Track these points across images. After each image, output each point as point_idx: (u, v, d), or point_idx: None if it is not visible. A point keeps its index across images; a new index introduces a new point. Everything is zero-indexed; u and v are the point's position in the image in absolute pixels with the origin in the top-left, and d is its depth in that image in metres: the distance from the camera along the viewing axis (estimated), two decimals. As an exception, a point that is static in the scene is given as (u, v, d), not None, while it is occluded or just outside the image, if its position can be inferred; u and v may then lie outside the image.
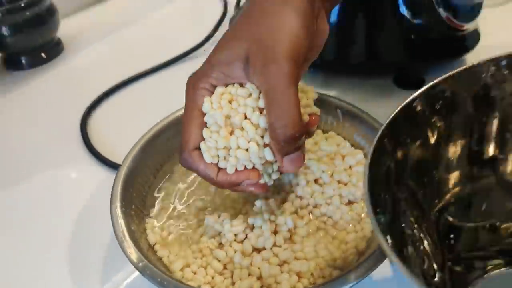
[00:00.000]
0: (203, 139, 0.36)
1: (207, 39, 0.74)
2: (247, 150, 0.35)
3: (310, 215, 0.41)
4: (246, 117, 0.36)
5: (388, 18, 0.58)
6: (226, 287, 0.36)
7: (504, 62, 0.33)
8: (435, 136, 0.35)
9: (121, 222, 0.38)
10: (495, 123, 0.35)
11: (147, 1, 0.90)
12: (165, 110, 0.50)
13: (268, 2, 0.34)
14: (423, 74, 0.64)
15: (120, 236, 0.37)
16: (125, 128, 0.60)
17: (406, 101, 0.33)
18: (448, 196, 0.36)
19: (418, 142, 0.34)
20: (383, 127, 0.31)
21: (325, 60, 0.61)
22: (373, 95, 0.62)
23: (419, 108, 0.33)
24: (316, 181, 0.43)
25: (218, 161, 0.36)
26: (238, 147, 0.35)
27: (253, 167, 0.36)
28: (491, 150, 0.36)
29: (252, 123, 0.35)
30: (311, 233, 0.40)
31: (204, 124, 0.36)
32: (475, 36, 0.63)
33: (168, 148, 0.47)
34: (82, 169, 0.55)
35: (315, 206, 0.41)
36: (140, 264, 0.35)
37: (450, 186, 0.36)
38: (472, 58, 0.65)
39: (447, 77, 0.33)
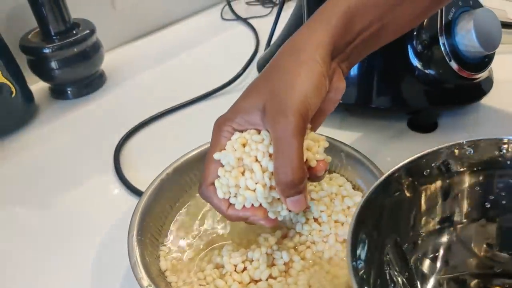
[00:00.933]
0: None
1: (237, 77, 0.80)
2: (254, 190, 0.40)
3: (307, 250, 0.45)
4: (257, 160, 0.40)
5: (401, 68, 0.62)
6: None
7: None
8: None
9: (136, 250, 0.43)
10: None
11: (186, 37, 0.97)
12: (193, 143, 0.55)
13: (287, 62, 0.39)
14: (437, 118, 0.67)
15: (133, 261, 0.42)
16: (155, 158, 0.65)
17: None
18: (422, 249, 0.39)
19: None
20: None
21: (344, 103, 0.65)
22: (388, 137, 0.66)
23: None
24: (315, 219, 0.46)
25: (229, 197, 0.41)
26: (247, 187, 0.40)
27: (260, 205, 0.41)
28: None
29: (261, 166, 0.40)
30: (307, 267, 0.43)
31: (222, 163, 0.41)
32: (488, 82, 0.66)
33: (186, 182, 0.52)
34: (112, 194, 0.61)
35: (313, 243, 0.45)
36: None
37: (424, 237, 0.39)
38: (487, 101, 0.68)
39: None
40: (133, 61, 0.91)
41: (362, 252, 0.34)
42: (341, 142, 0.52)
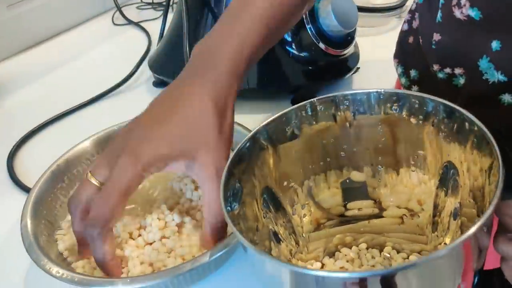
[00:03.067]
0: None
1: (130, 75, 0.82)
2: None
3: (198, 213, 0.49)
4: None
5: (280, 55, 0.70)
6: (122, 275, 0.44)
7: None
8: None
9: (29, 234, 0.45)
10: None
11: (78, 44, 0.98)
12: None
13: (196, 115, 0.42)
14: (316, 93, 0.74)
15: (28, 243, 0.44)
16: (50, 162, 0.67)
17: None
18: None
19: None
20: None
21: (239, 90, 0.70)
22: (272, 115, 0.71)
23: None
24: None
25: None
26: None
27: None
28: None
29: None
30: (199, 226, 0.47)
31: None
32: (355, 58, 0.74)
33: (79, 172, 0.55)
34: (7, 200, 0.61)
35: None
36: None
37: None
38: (359, 77, 0.76)
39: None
40: (25, 69, 0.90)
41: (236, 197, 0.39)
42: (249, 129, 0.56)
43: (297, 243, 0.45)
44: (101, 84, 0.81)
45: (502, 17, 0.41)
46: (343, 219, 0.47)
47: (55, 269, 0.42)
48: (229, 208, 0.37)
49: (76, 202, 0.42)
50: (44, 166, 0.54)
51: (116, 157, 0.40)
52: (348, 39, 0.70)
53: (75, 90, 0.83)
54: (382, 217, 0.46)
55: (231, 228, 0.34)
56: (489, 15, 0.41)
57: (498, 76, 0.42)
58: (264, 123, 0.42)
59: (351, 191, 0.47)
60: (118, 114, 0.60)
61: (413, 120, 0.41)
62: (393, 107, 0.41)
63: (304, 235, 0.45)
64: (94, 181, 0.42)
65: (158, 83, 0.79)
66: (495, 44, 0.42)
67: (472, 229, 0.29)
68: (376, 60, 0.79)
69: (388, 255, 0.45)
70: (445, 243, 0.42)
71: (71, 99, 0.78)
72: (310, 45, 0.68)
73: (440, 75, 0.49)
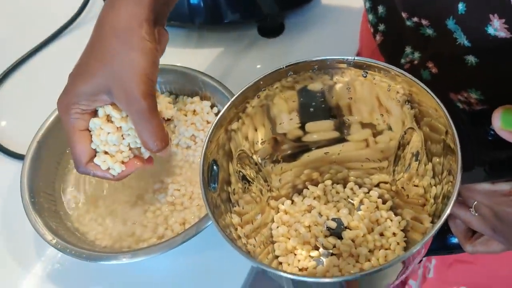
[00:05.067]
0: (92, 152, 0.45)
1: (83, 7, 0.78)
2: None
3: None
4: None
5: None
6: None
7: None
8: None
9: (31, 210, 0.48)
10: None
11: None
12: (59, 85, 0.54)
13: (116, 44, 0.41)
14: (283, 20, 0.73)
15: (33, 220, 0.47)
16: (25, 115, 0.66)
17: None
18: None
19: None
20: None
21: (198, 23, 0.70)
22: (242, 48, 0.72)
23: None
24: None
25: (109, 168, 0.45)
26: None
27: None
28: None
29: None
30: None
31: (88, 139, 0.44)
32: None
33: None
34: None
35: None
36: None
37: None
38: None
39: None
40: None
41: (217, 157, 0.41)
42: (199, 72, 0.57)
43: (265, 180, 0.48)
44: (52, 21, 0.77)
45: None
46: (301, 145, 0.48)
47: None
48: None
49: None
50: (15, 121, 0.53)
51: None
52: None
53: (27, 31, 0.79)
54: (343, 141, 0.48)
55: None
56: None
57: (463, 40, 0.43)
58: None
59: (308, 108, 0.46)
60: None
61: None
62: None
63: (271, 169, 0.48)
64: None
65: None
66: (460, 6, 0.41)
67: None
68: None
69: (351, 191, 0.50)
70: (402, 188, 0.46)
71: (26, 42, 0.75)
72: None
73: (408, 22, 0.49)
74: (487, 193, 0.38)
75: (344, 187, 0.50)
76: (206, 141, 0.39)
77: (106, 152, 0.45)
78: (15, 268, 0.52)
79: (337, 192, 0.50)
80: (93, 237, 0.49)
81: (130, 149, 0.46)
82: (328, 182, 0.50)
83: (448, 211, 0.34)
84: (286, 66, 0.42)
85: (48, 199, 0.51)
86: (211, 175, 0.40)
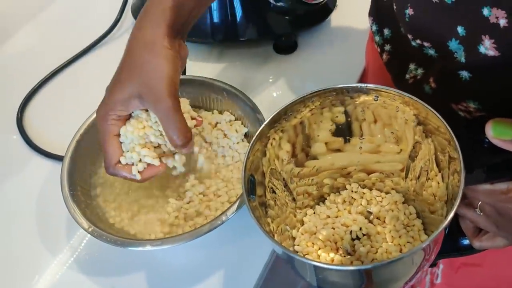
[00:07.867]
0: (121, 154, 0.51)
1: (115, 23, 0.85)
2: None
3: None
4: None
5: (261, 6, 0.75)
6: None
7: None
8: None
9: (70, 201, 0.54)
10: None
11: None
12: (95, 93, 0.56)
13: (143, 56, 0.48)
14: (296, 39, 0.80)
15: (72, 211, 0.53)
16: (60, 120, 0.73)
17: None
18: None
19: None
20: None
21: (217, 40, 0.77)
22: (258, 63, 0.78)
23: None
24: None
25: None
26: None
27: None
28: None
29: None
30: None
31: (119, 143, 0.51)
32: (332, 2, 0.79)
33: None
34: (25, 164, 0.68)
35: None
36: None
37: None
38: (334, 19, 0.82)
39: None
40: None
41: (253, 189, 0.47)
42: (222, 82, 0.63)
43: (290, 193, 0.53)
44: (86, 34, 0.84)
45: (468, 3, 0.44)
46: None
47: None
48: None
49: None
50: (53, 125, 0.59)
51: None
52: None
53: (60, 42, 0.85)
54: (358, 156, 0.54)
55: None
56: (460, 1, 0.45)
57: (462, 58, 0.48)
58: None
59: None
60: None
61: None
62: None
63: (295, 184, 0.53)
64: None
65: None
66: (460, 29, 0.46)
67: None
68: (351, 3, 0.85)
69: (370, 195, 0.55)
70: (414, 191, 0.52)
71: (60, 54, 0.81)
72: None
73: (413, 43, 0.54)
74: (488, 192, 0.43)
75: (362, 196, 0.55)
76: (247, 155, 0.46)
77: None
78: (43, 252, 0.58)
79: (356, 198, 0.55)
80: (121, 225, 0.55)
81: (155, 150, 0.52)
82: (348, 190, 0.55)
83: (455, 208, 0.39)
84: (308, 94, 0.49)
85: (84, 193, 0.57)
86: (251, 187, 0.47)
